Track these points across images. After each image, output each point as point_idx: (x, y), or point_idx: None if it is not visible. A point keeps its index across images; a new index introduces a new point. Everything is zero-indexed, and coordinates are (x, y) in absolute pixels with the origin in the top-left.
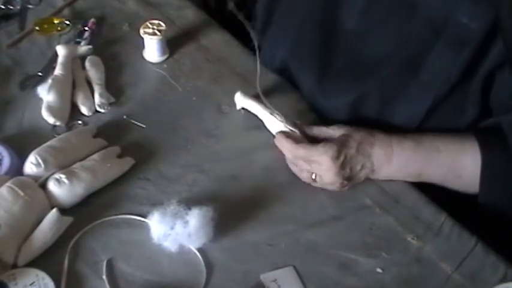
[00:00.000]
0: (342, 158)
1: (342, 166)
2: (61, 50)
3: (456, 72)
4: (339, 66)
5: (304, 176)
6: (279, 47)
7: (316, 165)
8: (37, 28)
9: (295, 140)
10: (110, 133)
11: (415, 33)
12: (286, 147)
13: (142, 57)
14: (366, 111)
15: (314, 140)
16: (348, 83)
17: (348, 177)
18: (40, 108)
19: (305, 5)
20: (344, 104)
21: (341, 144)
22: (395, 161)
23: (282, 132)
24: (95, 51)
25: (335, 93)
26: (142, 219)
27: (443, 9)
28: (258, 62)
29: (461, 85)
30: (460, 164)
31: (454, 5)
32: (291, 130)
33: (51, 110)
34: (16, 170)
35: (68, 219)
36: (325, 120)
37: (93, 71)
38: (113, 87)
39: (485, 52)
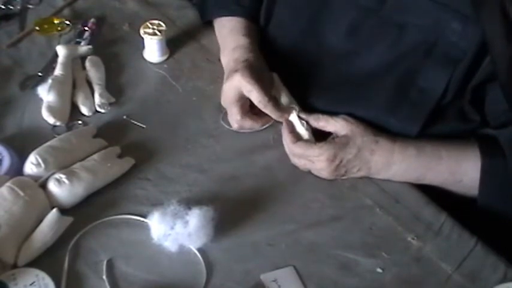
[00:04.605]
0: (337, 161)
1: (337, 168)
2: (61, 50)
3: (451, 88)
4: (327, 86)
5: (296, 162)
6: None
7: (311, 164)
8: (37, 28)
9: (296, 137)
10: (110, 133)
11: (405, 53)
12: (286, 142)
13: (142, 57)
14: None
15: (319, 131)
16: (336, 102)
17: (342, 175)
18: (40, 108)
19: (294, 23)
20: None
21: (339, 148)
22: (394, 168)
23: (288, 122)
24: (95, 51)
25: (324, 111)
26: (142, 219)
27: (432, 28)
28: None
29: (458, 99)
30: (461, 170)
31: (444, 24)
32: (301, 120)
33: (51, 110)
34: (16, 170)
35: (68, 219)
36: None
37: (93, 71)
38: (113, 87)
39: (477, 68)
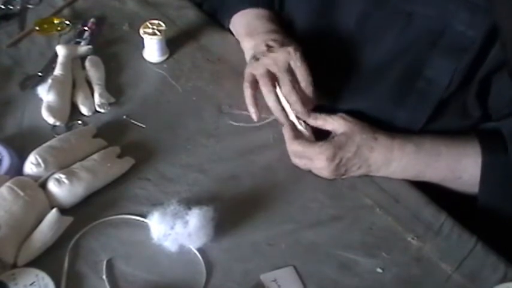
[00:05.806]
0: (337, 160)
1: (337, 167)
2: (61, 50)
3: (456, 79)
4: (335, 77)
5: (297, 162)
6: None
7: (311, 162)
8: (37, 28)
9: (297, 135)
10: (110, 133)
11: (412, 43)
12: (286, 140)
13: (142, 57)
14: (364, 119)
15: (318, 130)
16: (345, 93)
17: (342, 175)
18: (40, 108)
19: (303, 14)
20: (342, 112)
21: (338, 147)
22: (394, 165)
23: (290, 123)
24: (95, 51)
25: (332, 104)
26: (142, 219)
27: (440, 18)
28: None
29: (461, 90)
30: (460, 166)
31: (451, 14)
32: (298, 120)
33: (51, 110)
34: (16, 170)
35: (68, 219)
36: None
37: (93, 71)
38: (113, 87)
39: (483, 58)
